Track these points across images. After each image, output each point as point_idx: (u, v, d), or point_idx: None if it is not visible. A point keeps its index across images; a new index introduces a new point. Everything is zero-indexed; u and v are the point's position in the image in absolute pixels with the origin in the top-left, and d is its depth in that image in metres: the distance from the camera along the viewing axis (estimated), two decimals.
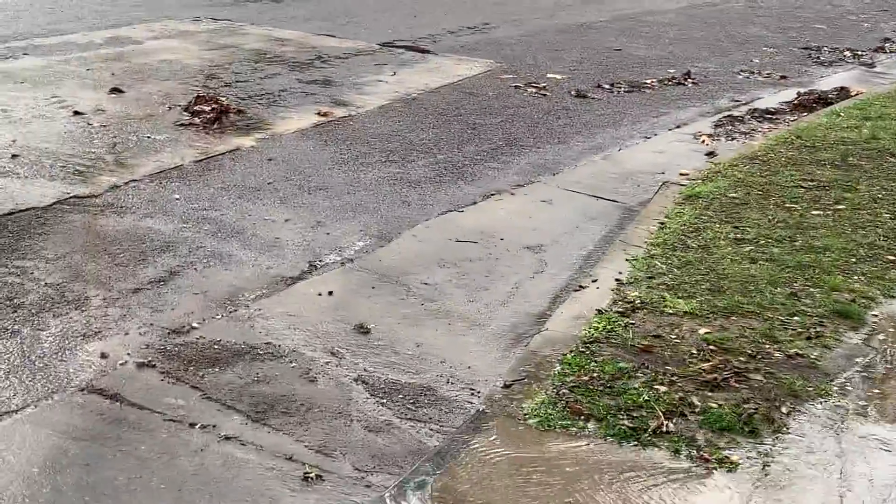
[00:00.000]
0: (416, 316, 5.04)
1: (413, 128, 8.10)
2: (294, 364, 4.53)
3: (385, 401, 4.28)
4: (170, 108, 8.31)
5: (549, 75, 9.66)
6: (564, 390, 4.13)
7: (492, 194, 6.72)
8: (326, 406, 4.22)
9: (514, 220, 6.31)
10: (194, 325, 4.84)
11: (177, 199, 6.44)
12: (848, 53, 10.75)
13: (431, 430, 4.10)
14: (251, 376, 4.41)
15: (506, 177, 7.05)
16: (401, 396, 4.32)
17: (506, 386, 4.24)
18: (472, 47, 10.81)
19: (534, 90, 9.17)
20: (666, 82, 9.52)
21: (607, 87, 9.33)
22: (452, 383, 4.46)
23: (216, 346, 4.64)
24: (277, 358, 4.57)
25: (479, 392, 4.37)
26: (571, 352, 4.43)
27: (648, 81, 9.51)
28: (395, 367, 4.55)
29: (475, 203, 6.57)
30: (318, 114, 8.29)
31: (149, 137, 7.58)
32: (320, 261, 5.62)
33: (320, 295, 5.19)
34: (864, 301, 4.97)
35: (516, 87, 9.29)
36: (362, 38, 10.98)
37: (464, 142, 7.75)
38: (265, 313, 4.98)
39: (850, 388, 4.25)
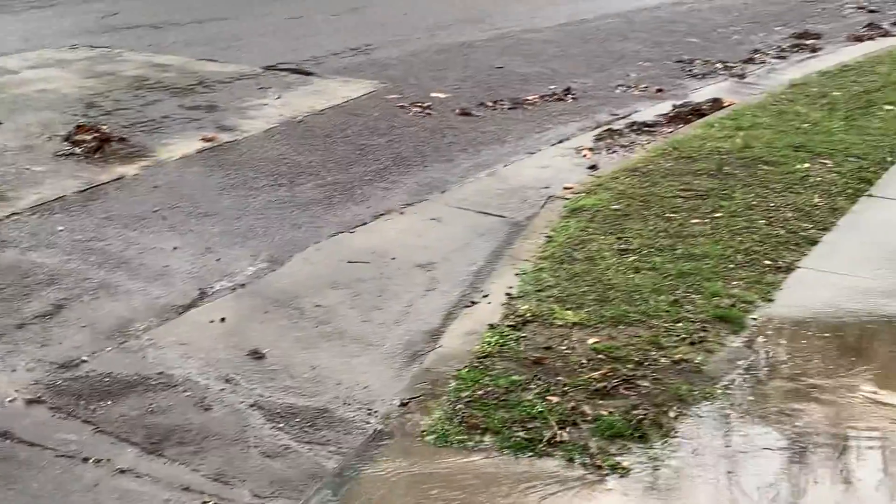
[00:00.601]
0: (311, 339, 5.06)
1: (300, 150, 8.11)
2: (188, 393, 4.51)
3: (282, 425, 4.30)
4: (49, 138, 8.18)
5: (432, 94, 9.76)
6: (460, 406, 4.20)
7: (382, 214, 6.77)
8: (222, 433, 4.21)
9: (404, 238, 6.37)
10: (84, 358, 4.79)
11: (60, 230, 6.35)
12: (720, 65, 11.06)
13: (330, 452, 4.13)
14: (145, 407, 4.38)
15: (395, 196, 7.11)
16: (298, 420, 4.34)
17: (402, 404, 4.29)
18: (355, 68, 10.86)
19: (418, 109, 9.26)
20: (547, 98, 9.69)
21: (491, 104, 9.46)
22: (349, 404, 4.50)
23: (107, 379, 4.60)
24: (171, 387, 4.55)
25: (376, 412, 4.41)
26: (466, 367, 4.51)
27: (530, 98, 9.67)
28: (290, 391, 4.57)
29: (365, 223, 6.61)
30: (203, 139, 8.24)
31: (28, 169, 7.46)
32: (211, 287, 5.61)
33: (212, 322, 5.17)
34: (743, 305, 5.13)
35: (401, 106, 9.36)
36: (245, 62, 10.95)
37: (352, 163, 7.79)
38: (157, 343, 4.95)
39: (733, 391, 4.39)
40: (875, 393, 4.39)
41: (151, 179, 7.33)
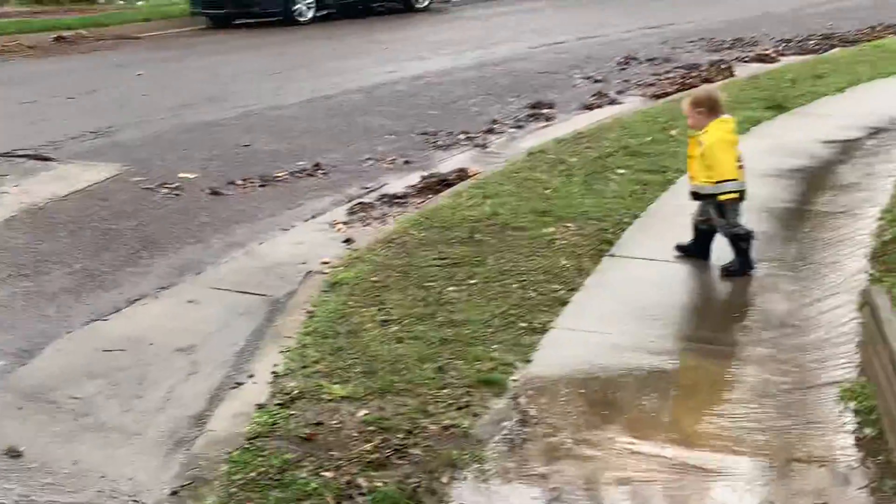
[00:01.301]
0: (70, 432, 4.89)
1: (44, 239, 7.84)
2: None
3: None
4: None
5: (180, 175, 9.64)
6: (234, 489, 4.16)
7: (136, 300, 6.63)
8: None
9: (161, 323, 6.25)
10: None
11: None
12: (462, 136, 11.42)
13: None
14: None
15: (148, 281, 6.98)
16: None
17: (173, 493, 4.21)
18: (98, 152, 10.61)
19: (167, 191, 9.13)
20: (297, 174, 9.74)
21: (241, 182, 9.44)
22: (114, 498, 4.38)
23: None
24: None
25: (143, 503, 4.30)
26: (237, 449, 4.46)
27: (280, 175, 9.70)
28: (51, 489, 4.40)
29: (120, 310, 6.45)
30: None
31: None
32: None
33: None
34: (504, 368, 5.31)
35: (148, 189, 9.21)
36: None
37: (100, 249, 7.60)
38: None
39: (500, 452, 4.53)
40: (631, 443, 4.63)
41: None
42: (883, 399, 4.70)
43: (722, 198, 6.66)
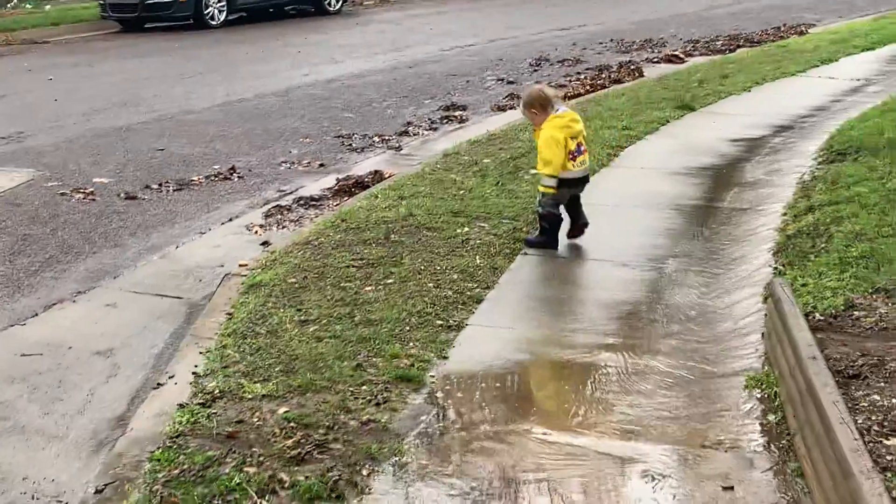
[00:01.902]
0: None
1: None
2: None
3: None
4: None
5: (95, 180, 9.60)
6: (157, 486, 4.21)
7: (53, 304, 6.62)
8: None
9: (80, 327, 6.26)
10: None
11: None
12: (377, 139, 11.52)
13: None
14: None
15: (65, 285, 6.96)
16: None
17: (97, 491, 4.25)
18: (9, 158, 10.51)
19: (82, 196, 9.09)
20: (213, 178, 9.76)
21: (156, 187, 9.43)
22: (38, 499, 4.40)
23: None
24: None
25: (66, 503, 4.34)
26: (159, 448, 4.52)
27: (196, 178, 9.71)
28: None
29: (36, 315, 6.44)
30: None
31: None
32: None
33: None
34: (421, 364, 5.44)
35: (62, 194, 9.15)
36: None
37: (15, 254, 7.55)
38: None
39: (419, 445, 4.65)
40: (545, 434, 4.77)
41: None
42: (785, 386, 4.91)
43: (540, 188, 7.32)
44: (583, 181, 7.47)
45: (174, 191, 9.36)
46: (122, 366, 5.75)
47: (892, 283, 5.76)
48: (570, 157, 7.24)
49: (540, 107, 7.28)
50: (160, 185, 9.50)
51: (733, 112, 12.06)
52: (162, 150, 10.90)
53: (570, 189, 7.38)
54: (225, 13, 22.83)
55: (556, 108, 7.27)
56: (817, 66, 14.85)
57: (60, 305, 6.61)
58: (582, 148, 7.35)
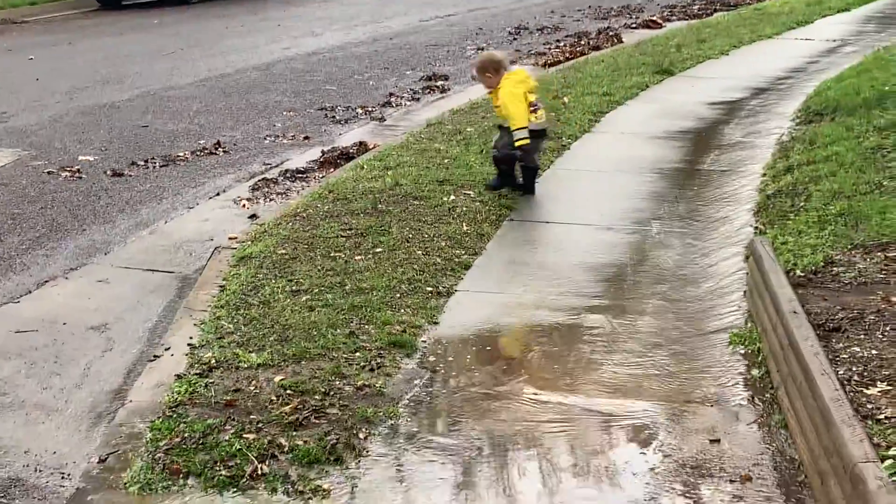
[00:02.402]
0: None
1: None
2: None
3: None
4: None
5: (81, 158, 9.64)
6: (159, 454, 4.31)
7: (46, 281, 6.68)
8: None
9: (73, 303, 6.33)
10: None
11: None
12: (360, 110, 11.58)
13: None
14: None
15: (57, 262, 7.03)
16: None
17: (101, 461, 4.35)
18: None
19: (68, 174, 9.13)
20: (198, 153, 9.81)
21: (142, 163, 9.47)
22: (41, 471, 4.49)
23: None
24: None
25: (69, 475, 4.44)
26: (159, 417, 4.62)
27: (181, 154, 9.75)
28: None
29: (30, 292, 6.51)
30: None
31: None
32: None
33: None
34: (413, 330, 5.54)
35: (49, 172, 9.19)
36: None
37: (5, 233, 7.60)
38: None
39: (413, 408, 4.77)
40: (536, 394, 4.90)
41: None
42: (768, 342, 5.04)
43: (518, 143, 7.68)
44: (544, 133, 8.02)
45: (160, 167, 9.41)
46: (117, 340, 5.83)
47: (870, 239, 5.89)
48: (531, 109, 7.72)
49: (493, 70, 7.78)
50: (146, 161, 9.54)
51: (712, 75, 12.17)
52: (146, 126, 10.93)
53: (535, 140, 7.78)
54: None
55: (507, 68, 7.80)
56: (793, 27, 14.97)
57: (53, 282, 6.68)
58: (538, 104, 7.84)
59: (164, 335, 5.69)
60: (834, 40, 13.85)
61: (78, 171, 9.25)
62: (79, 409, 5.03)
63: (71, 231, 7.68)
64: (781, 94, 10.98)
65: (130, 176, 9.13)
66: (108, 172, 9.20)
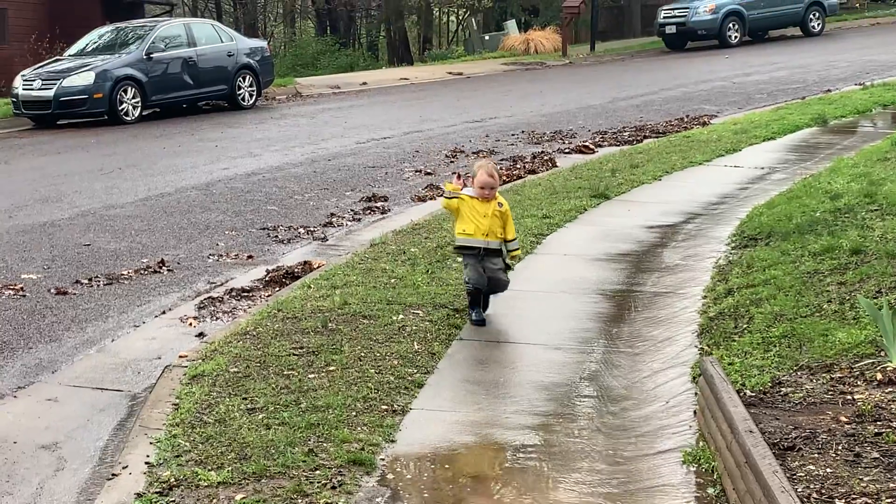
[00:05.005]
0: None
1: None
2: None
3: None
4: None
5: (23, 276, 9.58)
6: None
7: None
8: None
9: (23, 422, 6.27)
10: None
11: None
12: (302, 230, 11.67)
13: None
14: None
15: (4, 381, 6.96)
16: None
17: None
18: None
19: (11, 292, 9.06)
20: (142, 272, 9.80)
21: (86, 281, 9.44)
22: None
23: None
24: None
25: None
26: None
27: (125, 273, 9.74)
28: None
29: None
30: None
31: None
32: None
33: None
34: (371, 448, 5.58)
35: None
36: None
37: None
38: None
39: None
40: None
41: None
42: (723, 460, 5.15)
43: (516, 253, 7.99)
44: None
45: (104, 285, 9.39)
46: (69, 459, 5.78)
47: (814, 361, 6.07)
48: None
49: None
50: (90, 279, 9.52)
51: (647, 200, 12.49)
52: (88, 245, 10.91)
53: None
54: (139, 109, 22.88)
55: None
56: (722, 155, 15.41)
57: (2, 401, 6.61)
58: None
59: (120, 453, 5.66)
60: (762, 168, 14.29)
61: (21, 289, 9.19)
62: None
63: (17, 349, 7.62)
64: (716, 218, 11.29)
65: (75, 294, 9.10)
66: (52, 291, 9.16)
